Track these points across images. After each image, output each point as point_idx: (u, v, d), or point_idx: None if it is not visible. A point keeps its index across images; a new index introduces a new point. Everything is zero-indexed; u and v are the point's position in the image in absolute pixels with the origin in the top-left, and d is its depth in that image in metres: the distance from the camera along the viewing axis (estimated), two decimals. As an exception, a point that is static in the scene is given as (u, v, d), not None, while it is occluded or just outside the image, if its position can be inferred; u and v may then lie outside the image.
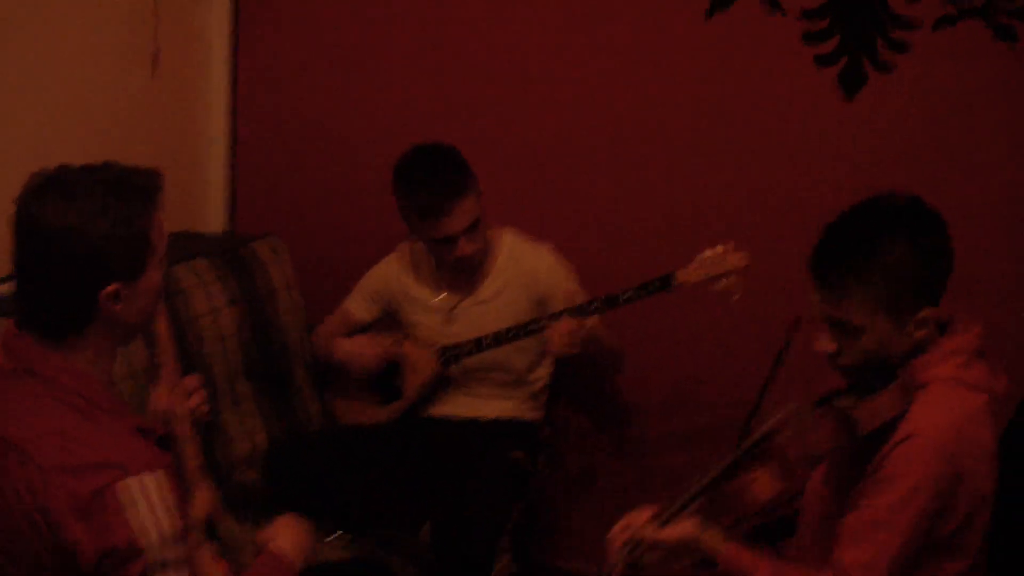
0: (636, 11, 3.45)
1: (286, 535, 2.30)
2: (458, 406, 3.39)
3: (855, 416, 2.12)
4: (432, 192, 3.08)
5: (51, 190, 1.93)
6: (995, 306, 3.13)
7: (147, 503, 1.88)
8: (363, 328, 3.47)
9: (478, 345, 3.24)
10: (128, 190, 1.97)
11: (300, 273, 3.65)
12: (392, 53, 3.75)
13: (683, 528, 2.15)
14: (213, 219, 3.88)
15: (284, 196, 3.92)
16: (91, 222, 1.90)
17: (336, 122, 3.85)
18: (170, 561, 1.90)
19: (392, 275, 3.43)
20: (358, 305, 3.46)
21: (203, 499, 2.15)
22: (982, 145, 3.24)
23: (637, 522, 2.21)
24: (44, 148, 2.96)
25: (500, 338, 3.21)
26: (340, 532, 3.02)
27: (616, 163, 3.58)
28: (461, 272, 3.29)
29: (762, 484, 2.16)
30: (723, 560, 2.13)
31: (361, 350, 3.40)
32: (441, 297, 3.35)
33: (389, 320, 3.47)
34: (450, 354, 3.30)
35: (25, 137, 3.00)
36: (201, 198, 3.86)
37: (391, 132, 3.62)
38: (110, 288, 1.94)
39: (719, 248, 2.99)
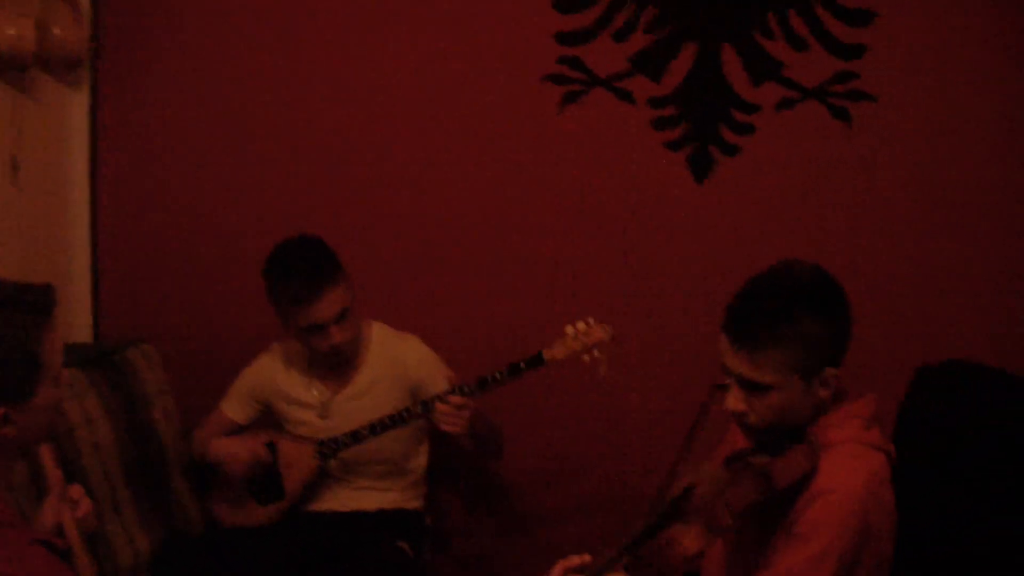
0: (493, 103, 3.60)
1: None
2: (340, 500, 3.42)
3: (772, 471, 2.17)
4: (302, 280, 3.14)
5: None
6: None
7: None
8: (240, 428, 3.47)
9: (355, 437, 3.28)
10: (17, 310, 1.97)
11: (171, 378, 3.63)
12: (252, 154, 3.79)
13: None
14: (78, 328, 3.83)
15: (150, 302, 3.89)
16: None
17: (200, 225, 3.86)
18: None
19: (265, 374, 3.45)
20: (233, 407, 3.47)
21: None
22: (823, 214, 3.45)
23: (570, 567, 2.22)
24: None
25: (376, 429, 3.25)
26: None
27: (482, 250, 3.70)
28: (333, 365, 3.34)
29: (688, 539, 2.17)
30: None
31: (233, 452, 3.39)
32: (315, 393, 3.39)
33: (267, 418, 3.49)
34: (328, 448, 3.32)
35: None
36: (65, 307, 3.77)
37: (257, 232, 3.65)
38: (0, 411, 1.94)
39: (581, 324, 3.09)
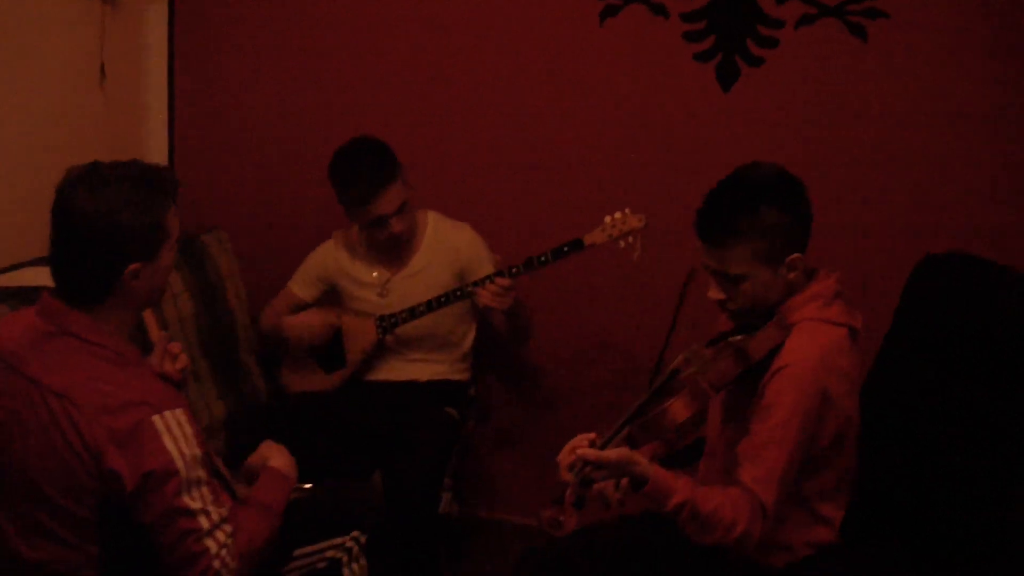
0: (541, 16, 3.86)
1: (278, 456, 2.66)
2: (395, 371, 3.75)
3: (747, 348, 2.49)
4: (365, 180, 3.45)
5: (85, 182, 2.25)
6: (858, 254, 3.61)
7: (176, 432, 2.25)
8: (306, 306, 3.81)
9: (412, 313, 3.59)
10: (149, 185, 2.30)
11: (241, 262, 3.97)
12: (315, 56, 4.09)
13: (619, 452, 2.40)
14: (156, 217, 4.15)
15: (221, 194, 4.20)
16: (118, 211, 2.23)
17: (266, 126, 4.18)
18: (197, 480, 2.27)
19: (330, 257, 3.77)
20: (301, 286, 3.80)
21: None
22: (839, 123, 3.69)
23: (580, 446, 2.44)
24: (1, 153, 3.32)
25: (432, 305, 3.56)
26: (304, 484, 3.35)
27: (525, 149, 3.96)
28: (392, 250, 3.65)
29: (676, 409, 2.43)
30: (652, 481, 2.41)
31: (307, 322, 3.73)
32: (375, 274, 3.70)
33: (330, 297, 3.81)
34: (387, 323, 3.64)
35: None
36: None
37: (320, 130, 3.98)
38: (132, 266, 2.28)
39: (618, 214, 3.38)
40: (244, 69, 4.17)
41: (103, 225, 2.23)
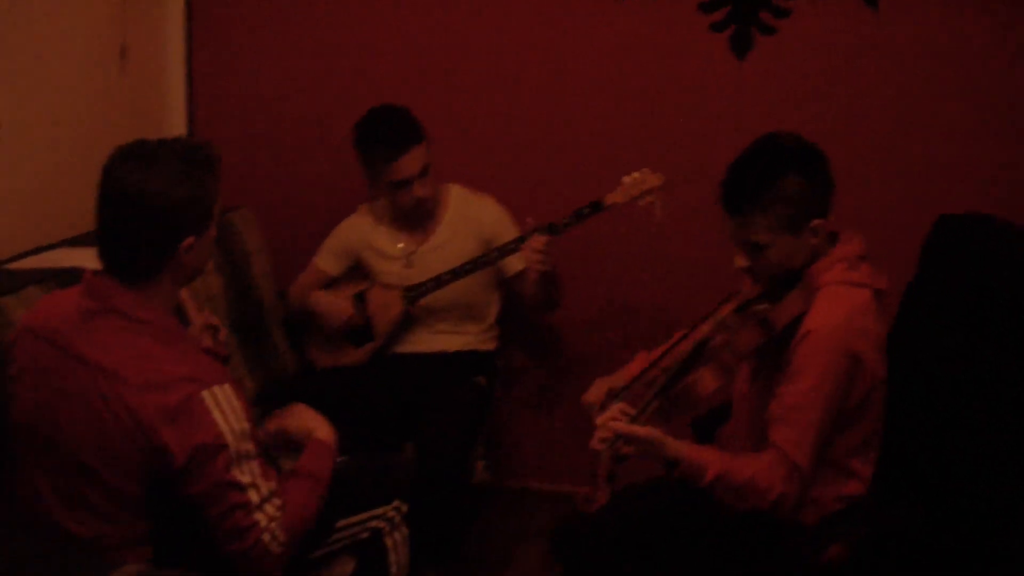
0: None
1: (321, 427, 2.70)
2: (424, 343, 3.79)
3: (771, 317, 2.54)
4: (390, 139, 3.51)
5: (135, 160, 2.28)
6: (875, 219, 3.59)
7: (224, 407, 2.28)
8: (332, 280, 3.85)
9: (438, 282, 3.64)
10: (196, 159, 2.34)
11: (267, 239, 3.99)
12: (334, 36, 4.12)
13: (649, 431, 2.47)
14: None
15: (242, 172, 4.20)
16: (172, 186, 2.27)
17: (287, 100, 4.20)
18: (246, 453, 2.31)
19: (355, 231, 3.81)
20: (327, 261, 3.85)
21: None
22: (851, 93, 3.75)
23: (614, 417, 2.50)
24: (26, 134, 3.36)
25: (457, 273, 3.61)
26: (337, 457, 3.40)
27: (543, 118, 4.02)
28: (416, 220, 3.70)
29: (705, 381, 2.50)
30: (684, 462, 2.48)
31: (331, 310, 3.78)
32: (400, 246, 3.74)
33: (356, 271, 3.85)
34: (414, 293, 3.68)
35: (8, 124, 3.30)
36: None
37: (340, 105, 4.00)
38: (187, 241, 2.32)
39: (636, 173, 3.41)
40: (262, 47, 4.20)
41: (159, 202, 2.26)
